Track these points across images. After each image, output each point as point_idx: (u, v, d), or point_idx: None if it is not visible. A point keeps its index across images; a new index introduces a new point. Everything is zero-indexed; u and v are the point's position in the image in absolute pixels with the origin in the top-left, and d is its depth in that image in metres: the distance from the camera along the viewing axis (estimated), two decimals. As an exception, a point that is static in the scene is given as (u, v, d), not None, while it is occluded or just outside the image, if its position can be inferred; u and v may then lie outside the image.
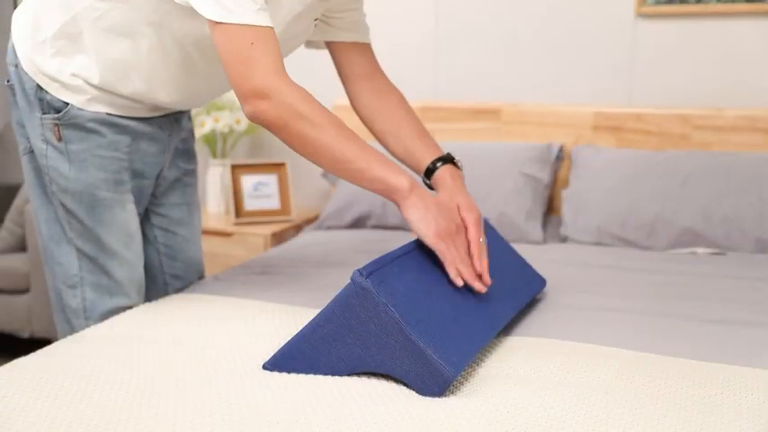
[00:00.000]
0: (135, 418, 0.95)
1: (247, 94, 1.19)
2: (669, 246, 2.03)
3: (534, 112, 2.48)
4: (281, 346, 1.14)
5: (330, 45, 1.53)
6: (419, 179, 1.38)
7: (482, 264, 1.25)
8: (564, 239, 2.16)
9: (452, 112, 2.57)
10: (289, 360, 1.11)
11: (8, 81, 1.40)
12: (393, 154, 1.50)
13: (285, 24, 1.32)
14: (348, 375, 1.09)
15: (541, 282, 1.52)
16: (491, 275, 1.28)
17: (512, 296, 1.36)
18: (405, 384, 1.06)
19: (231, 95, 2.77)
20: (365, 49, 1.52)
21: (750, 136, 2.24)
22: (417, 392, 1.03)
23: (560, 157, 2.41)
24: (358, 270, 1.08)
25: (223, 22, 1.16)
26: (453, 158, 1.42)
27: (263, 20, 1.18)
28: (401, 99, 1.52)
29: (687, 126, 2.31)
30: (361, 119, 1.54)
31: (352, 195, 2.35)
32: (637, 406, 0.98)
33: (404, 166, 1.41)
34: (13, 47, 1.38)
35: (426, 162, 1.42)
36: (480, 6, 2.58)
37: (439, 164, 1.40)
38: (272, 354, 1.14)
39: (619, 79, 2.46)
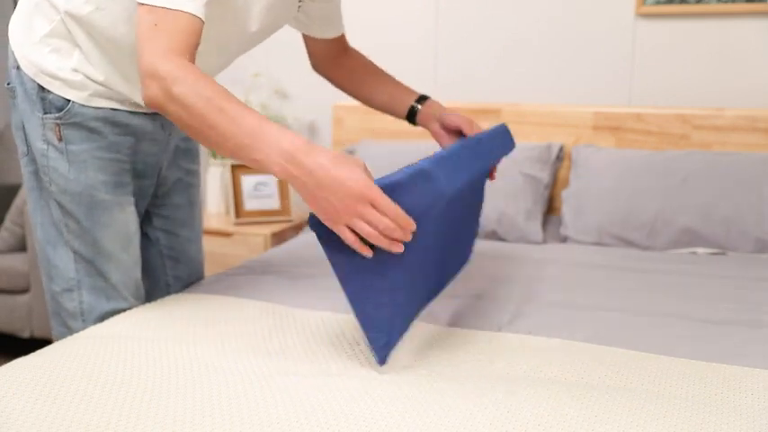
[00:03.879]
0: (135, 418, 0.95)
1: (140, 75, 1.14)
2: (669, 246, 2.03)
3: (534, 112, 2.48)
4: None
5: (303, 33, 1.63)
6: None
7: (401, 223, 1.02)
8: (564, 239, 2.16)
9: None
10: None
11: (8, 84, 1.40)
12: (376, 107, 1.66)
13: (266, 9, 1.33)
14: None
15: (469, 255, 1.53)
16: (459, 218, 1.30)
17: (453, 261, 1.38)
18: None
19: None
20: (338, 37, 1.63)
21: (750, 136, 2.25)
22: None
23: (560, 157, 2.41)
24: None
25: (143, 2, 1.13)
26: (427, 96, 1.62)
27: (184, 5, 1.12)
28: (367, 63, 1.66)
29: (687, 126, 2.31)
30: (335, 85, 1.68)
31: (352, 195, 2.35)
32: (637, 406, 0.98)
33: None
34: (12, 50, 1.38)
35: (408, 104, 1.61)
36: (480, 6, 2.58)
37: (418, 104, 1.60)
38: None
39: (619, 79, 2.46)
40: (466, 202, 1.34)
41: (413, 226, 1.03)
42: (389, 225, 1.01)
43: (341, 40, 1.64)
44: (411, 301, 1.16)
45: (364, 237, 1.02)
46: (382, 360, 1.10)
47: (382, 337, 1.09)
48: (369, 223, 1.01)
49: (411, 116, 1.60)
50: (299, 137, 1.06)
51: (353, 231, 1.03)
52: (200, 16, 1.15)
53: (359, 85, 1.65)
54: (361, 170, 1.02)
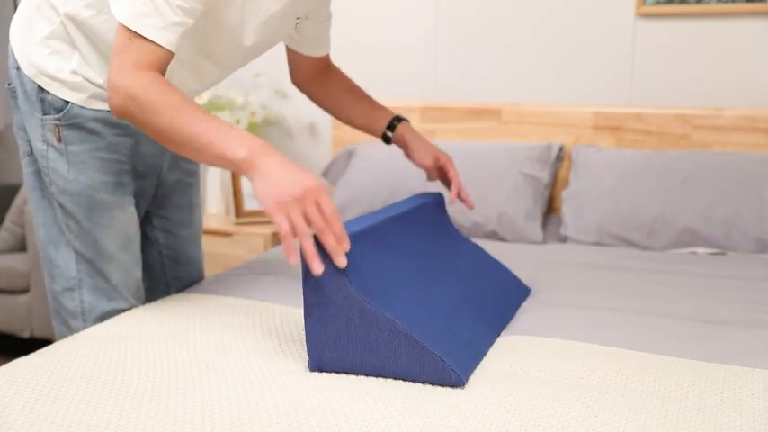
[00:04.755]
0: (135, 418, 0.95)
1: (108, 85, 1.20)
2: (669, 246, 2.03)
3: (534, 112, 2.48)
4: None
5: (289, 49, 1.65)
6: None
7: (336, 230, 1.08)
8: (564, 239, 2.16)
9: (452, 112, 2.57)
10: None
11: (9, 84, 1.41)
12: (355, 127, 1.72)
13: (262, 25, 1.35)
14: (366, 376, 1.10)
15: (526, 290, 1.55)
16: (474, 279, 1.34)
17: (501, 299, 1.40)
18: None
19: (230, 95, 2.77)
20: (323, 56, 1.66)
21: (750, 136, 2.25)
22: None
23: (560, 157, 2.41)
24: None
25: (121, 21, 1.18)
26: (404, 117, 1.69)
27: (154, 35, 1.17)
28: (346, 82, 1.71)
29: (687, 126, 2.31)
30: (316, 103, 1.72)
31: (352, 195, 2.35)
32: (637, 406, 0.98)
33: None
34: (13, 50, 1.39)
35: (385, 122, 1.68)
36: (480, 6, 2.58)
37: (396, 122, 1.67)
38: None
39: (619, 79, 2.46)
40: (442, 241, 1.43)
41: (345, 238, 1.08)
42: (324, 228, 1.06)
43: (325, 58, 1.67)
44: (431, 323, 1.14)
45: (297, 231, 1.06)
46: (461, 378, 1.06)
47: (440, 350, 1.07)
48: (307, 217, 1.06)
49: (386, 140, 1.69)
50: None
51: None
52: (170, 48, 1.20)
53: (338, 105, 1.70)
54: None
